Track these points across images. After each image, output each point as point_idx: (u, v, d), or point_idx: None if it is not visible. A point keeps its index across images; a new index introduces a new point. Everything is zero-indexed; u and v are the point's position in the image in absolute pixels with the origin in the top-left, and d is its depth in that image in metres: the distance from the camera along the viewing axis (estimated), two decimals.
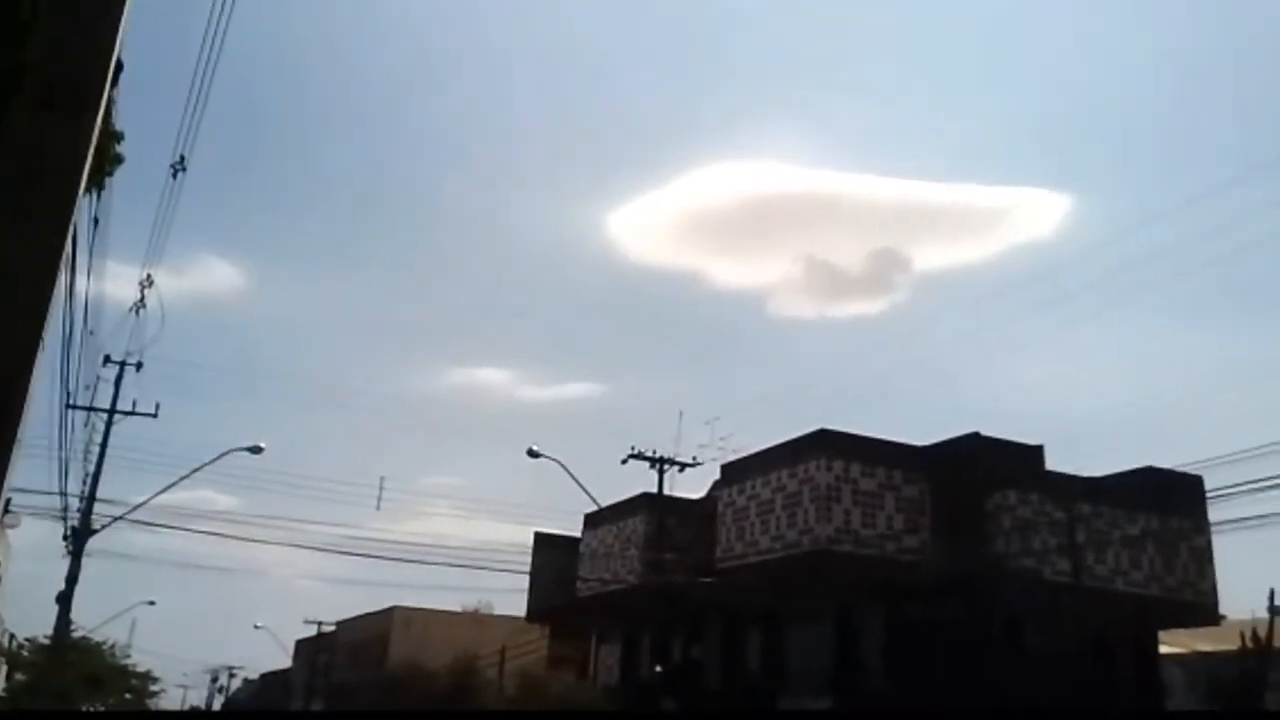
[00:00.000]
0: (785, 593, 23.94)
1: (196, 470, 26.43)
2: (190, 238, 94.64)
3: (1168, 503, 23.51)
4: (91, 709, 43.17)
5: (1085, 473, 24.00)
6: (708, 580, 24.98)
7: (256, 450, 27.10)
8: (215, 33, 10.94)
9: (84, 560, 25.40)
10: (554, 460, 28.32)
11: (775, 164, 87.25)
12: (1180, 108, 79.07)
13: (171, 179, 15.76)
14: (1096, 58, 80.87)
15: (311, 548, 37.41)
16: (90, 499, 25.69)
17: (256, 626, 60.61)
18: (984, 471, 23.20)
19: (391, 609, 48.21)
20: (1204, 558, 23.65)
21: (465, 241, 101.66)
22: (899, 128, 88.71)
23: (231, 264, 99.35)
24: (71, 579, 25.24)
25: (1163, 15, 77.86)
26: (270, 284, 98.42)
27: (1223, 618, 23.67)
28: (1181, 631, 24.79)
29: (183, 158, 15.47)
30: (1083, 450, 51.58)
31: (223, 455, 26.82)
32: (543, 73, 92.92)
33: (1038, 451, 24.07)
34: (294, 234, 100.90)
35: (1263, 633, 22.22)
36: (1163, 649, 24.84)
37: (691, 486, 32.48)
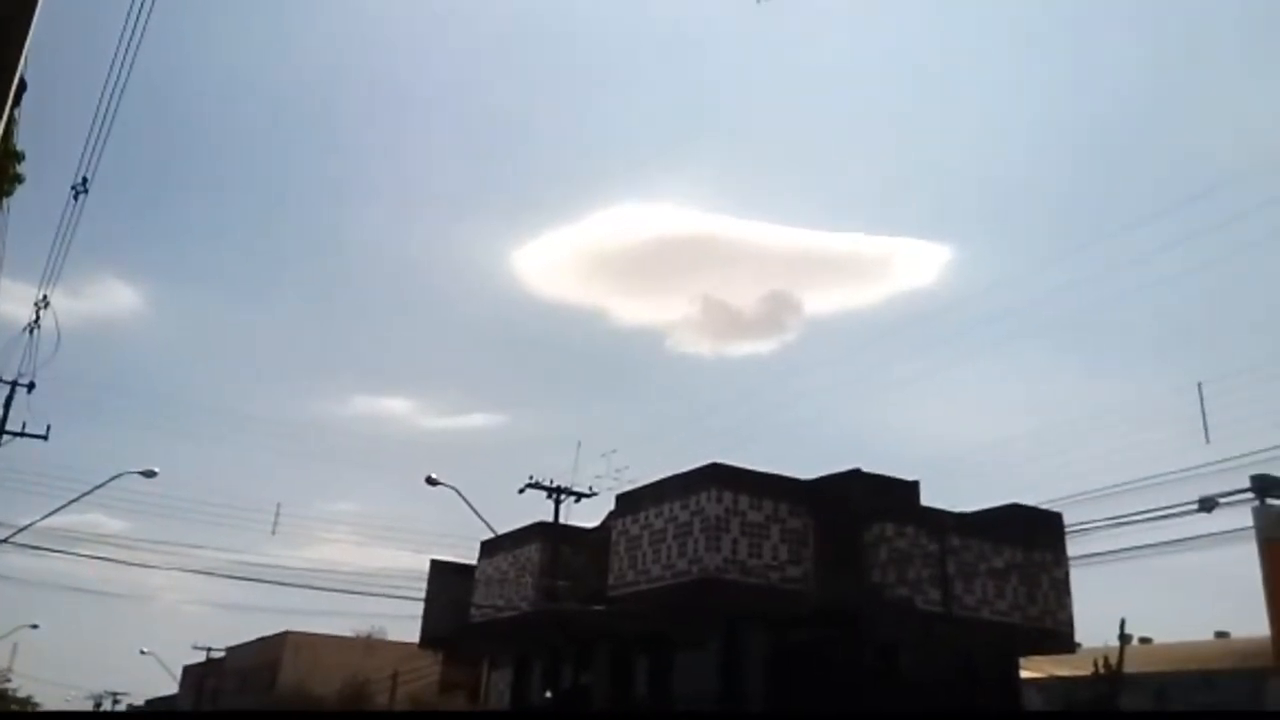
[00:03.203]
0: (674, 620, 24.63)
1: (87, 493, 26.12)
2: (91, 259, 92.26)
3: (1031, 537, 24.93)
4: None
5: (957, 508, 25.33)
6: (599, 608, 25.57)
7: (150, 474, 26.86)
8: (125, 54, 11.24)
9: None
10: (451, 488, 28.77)
11: (675, 208, 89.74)
12: (1054, 163, 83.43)
13: (73, 200, 15.88)
14: (971, 116, 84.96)
15: (203, 572, 36.83)
16: None
17: (143, 652, 59.08)
18: (864, 505, 24.24)
19: (283, 634, 47.55)
20: (1062, 589, 25.08)
21: (371, 272, 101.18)
22: (790, 177, 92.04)
23: (132, 287, 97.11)
24: None
25: (1038, 71, 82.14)
26: (172, 308, 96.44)
27: (1078, 645, 25.13)
28: (1041, 658, 26.21)
29: (85, 179, 15.62)
30: (955, 486, 53.89)
31: (114, 478, 26.55)
32: (451, 110, 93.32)
33: (914, 487, 25.26)
34: (198, 259, 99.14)
35: (1114, 660, 23.70)
36: (1023, 674, 26.21)
37: (587, 516, 33.13)
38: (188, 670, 60.26)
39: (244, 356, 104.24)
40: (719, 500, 23.25)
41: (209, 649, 54.87)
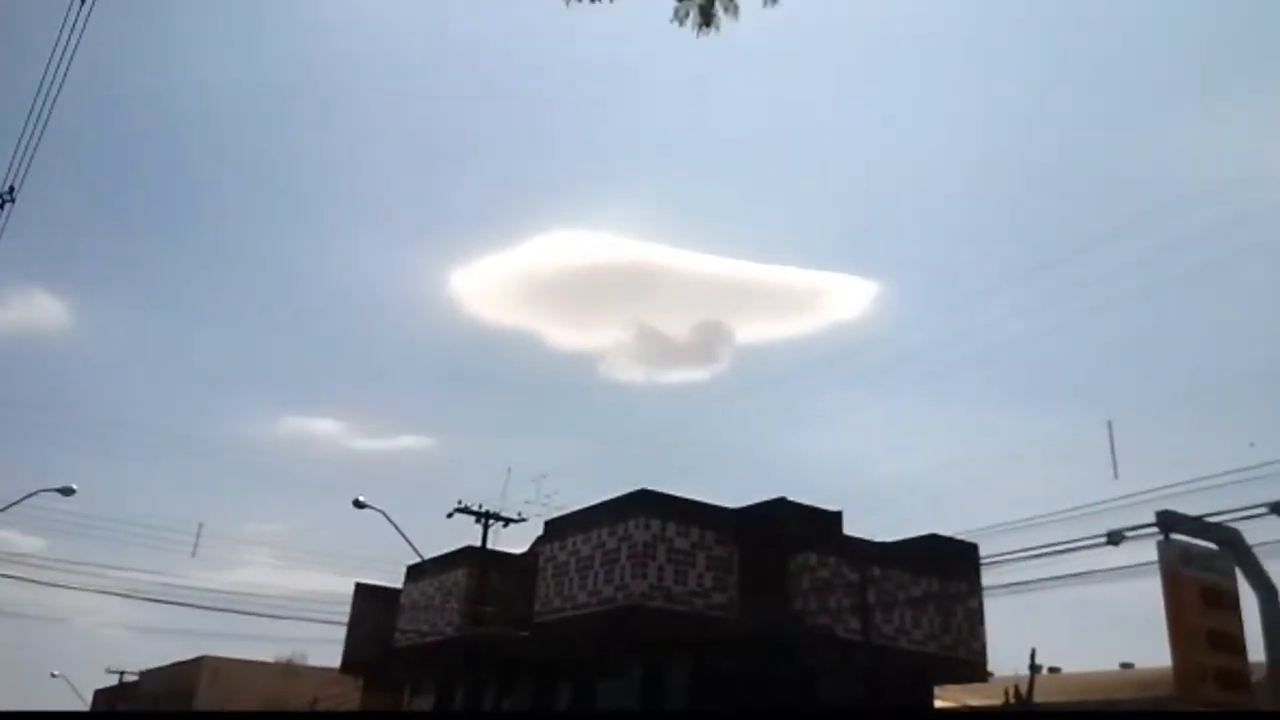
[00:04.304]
0: (598, 646, 24.76)
1: (1, 510, 25.48)
2: (16, 271, 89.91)
3: (948, 568, 25.56)
4: None
5: (877, 537, 25.88)
6: (523, 634, 25.60)
7: (68, 492, 26.25)
8: (59, 62, 11.12)
9: None
10: (379, 511, 28.59)
11: (611, 236, 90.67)
12: (981, 202, 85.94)
13: None
14: (903, 154, 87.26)
15: (120, 594, 35.66)
16: None
17: (53, 675, 57.20)
18: (788, 534, 24.65)
19: (200, 658, 46.56)
20: (976, 619, 25.76)
21: (303, 291, 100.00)
22: (725, 208, 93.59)
23: (59, 299, 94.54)
24: None
25: (968, 110, 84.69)
26: (98, 322, 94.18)
27: (990, 674, 25.79)
28: (954, 686, 26.83)
29: (11, 188, 15.47)
30: (876, 516, 54.72)
31: (30, 495, 25.93)
32: (388, 133, 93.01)
33: (837, 517, 25.72)
34: (127, 274, 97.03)
35: (1024, 689, 24.35)
36: (937, 703, 26.78)
37: (516, 542, 33.22)
38: (99, 694, 58.55)
39: (170, 374, 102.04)
40: (647, 527, 23.43)
41: (123, 673, 53.51)
